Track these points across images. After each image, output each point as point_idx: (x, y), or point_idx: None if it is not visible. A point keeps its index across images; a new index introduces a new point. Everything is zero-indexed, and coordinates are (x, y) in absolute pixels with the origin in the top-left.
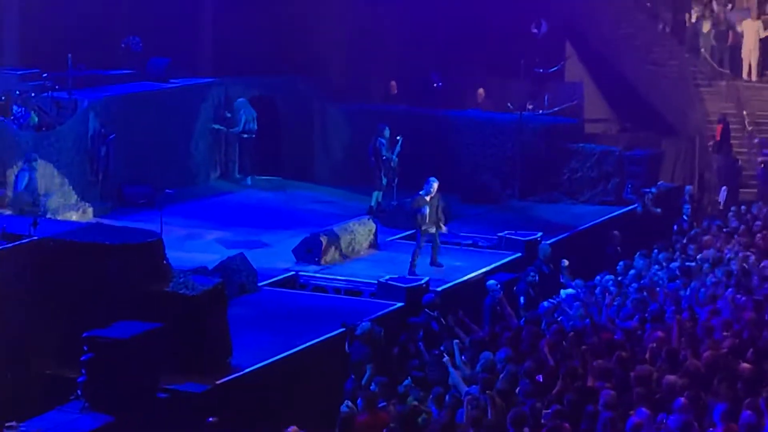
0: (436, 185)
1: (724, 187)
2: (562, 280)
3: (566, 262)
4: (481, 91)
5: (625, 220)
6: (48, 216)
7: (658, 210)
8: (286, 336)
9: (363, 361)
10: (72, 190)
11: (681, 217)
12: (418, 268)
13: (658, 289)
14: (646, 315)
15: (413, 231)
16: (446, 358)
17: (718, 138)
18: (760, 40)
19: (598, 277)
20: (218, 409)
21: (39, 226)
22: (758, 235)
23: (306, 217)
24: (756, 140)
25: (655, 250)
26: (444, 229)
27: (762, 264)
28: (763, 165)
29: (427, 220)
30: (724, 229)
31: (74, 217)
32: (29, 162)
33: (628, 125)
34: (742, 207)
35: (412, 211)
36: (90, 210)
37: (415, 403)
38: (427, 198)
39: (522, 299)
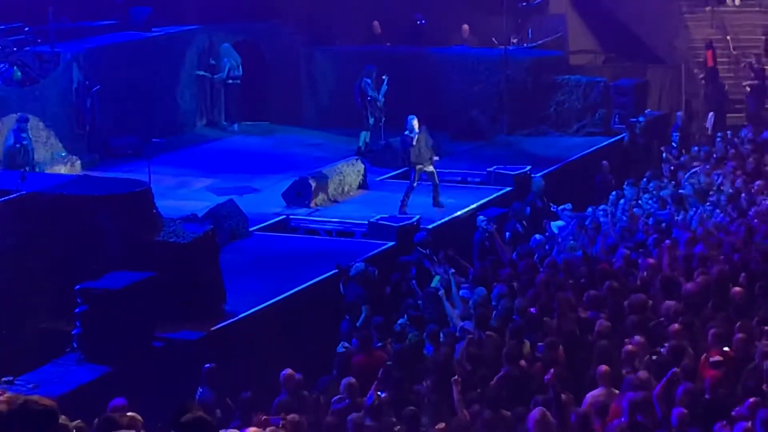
0: (415, 122)
1: (711, 113)
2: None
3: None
4: (465, 27)
5: (613, 150)
6: (36, 170)
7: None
8: (279, 280)
9: (358, 301)
10: (58, 143)
11: (670, 145)
12: (408, 207)
13: (641, 219)
14: (630, 244)
15: (404, 169)
16: (441, 292)
17: (711, 64)
18: None
19: (589, 209)
20: (214, 355)
21: (27, 180)
22: (749, 159)
23: (294, 161)
24: (743, 64)
25: (644, 179)
26: (437, 158)
27: (751, 187)
28: (750, 89)
29: (418, 159)
30: (713, 155)
31: (62, 170)
32: (20, 123)
33: (613, 55)
34: (728, 132)
35: (404, 149)
36: (78, 163)
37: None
38: (413, 135)
39: (508, 234)
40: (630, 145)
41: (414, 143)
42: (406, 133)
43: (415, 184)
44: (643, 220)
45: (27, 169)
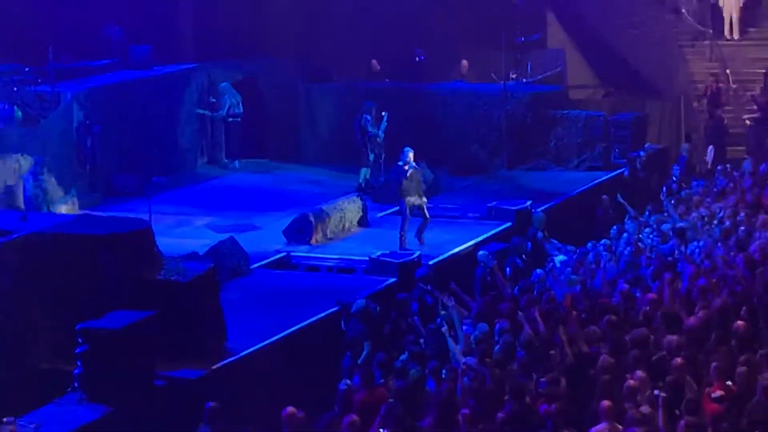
0: (411, 154)
1: (711, 146)
2: (552, 247)
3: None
4: (464, 62)
5: (613, 185)
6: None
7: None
8: (280, 317)
9: (359, 338)
10: (59, 183)
11: (670, 179)
12: (408, 243)
13: (644, 253)
14: (630, 278)
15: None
16: (445, 328)
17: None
18: None
19: (590, 244)
20: (216, 393)
21: (28, 220)
22: (749, 192)
23: (295, 198)
24: (747, 97)
25: (646, 213)
26: (424, 200)
27: (753, 220)
28: (751, 122)
29: (409, 191)
30: (714, 189)
31: (63, 209)
32: (36, 166)
33: (612, 89)
34: (728, 165)
35: (396, 179)
36: (78, 202)
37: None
38: (406, 167)
39: (508, 270)
40: (630, 179)
41: (408, 176)
42: (400, 164)
43: (408, 217)
44: (647, 254)
45: (48, 209)
